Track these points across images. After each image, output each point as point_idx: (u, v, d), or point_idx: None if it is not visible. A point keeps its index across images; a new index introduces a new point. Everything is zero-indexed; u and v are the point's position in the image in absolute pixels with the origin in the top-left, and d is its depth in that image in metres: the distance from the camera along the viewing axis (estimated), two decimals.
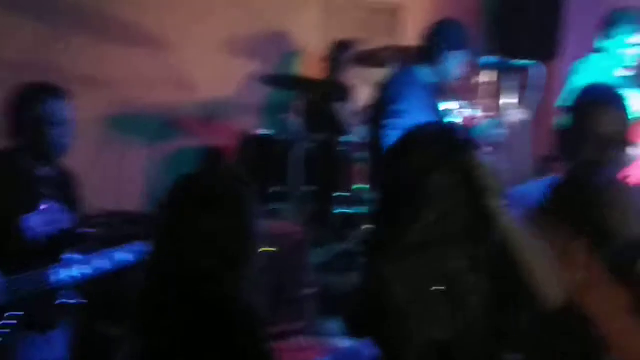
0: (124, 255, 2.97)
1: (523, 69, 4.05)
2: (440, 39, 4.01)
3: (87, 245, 3.10)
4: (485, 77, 4.92)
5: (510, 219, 1.97)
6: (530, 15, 6.20)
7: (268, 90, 5.63)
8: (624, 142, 2.36)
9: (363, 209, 4.99)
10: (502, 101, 4.08)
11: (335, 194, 5.26)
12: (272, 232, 4.30)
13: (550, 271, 2.00)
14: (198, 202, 1.89)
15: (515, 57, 4.76)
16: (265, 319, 1.97)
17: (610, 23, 4.25)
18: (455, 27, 4.09)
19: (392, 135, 3.77)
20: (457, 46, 3.98)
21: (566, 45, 6.08)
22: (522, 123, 4.26)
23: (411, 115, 3.79)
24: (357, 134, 5.14)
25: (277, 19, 5.83)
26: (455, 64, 4.00)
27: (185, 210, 1.89)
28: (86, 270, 2.91)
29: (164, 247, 1.91)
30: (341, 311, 3.98)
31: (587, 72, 4.29)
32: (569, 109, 2.43)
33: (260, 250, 1.97)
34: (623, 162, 2.39)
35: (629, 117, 2.38)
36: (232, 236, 1.88)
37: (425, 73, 4.03)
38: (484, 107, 4.74)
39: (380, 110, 3.97)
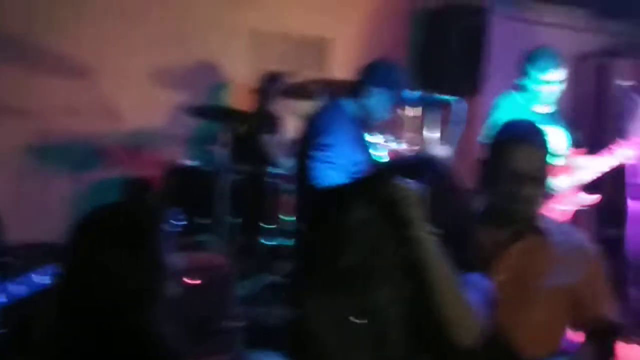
0: (39, 278, 2.91)
1: (446, 104, 4.15)
2: (369, 76, 4.04)
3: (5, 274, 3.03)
4: (410, 111, 5.02)
5: (434, 250, 2.00)
6: (454, 51, 6.36)
7: (195, 121, 5.62)
8: (541, 178, 2.40)
9: (290, 241, 5.01)
10: (426, 135, 4.17)
11: (262, 226, 5.27)
12: (196, 264, 4.28)
13: (466, 307, 2.03)
14: (105, 234, 1.87)
15: (439, 92, 4.87)
16: (181, 351, 1.94)
17: (527, 61, 4.39)
18: (385, 67, 4.12)
19: (318, 168, 3.80)
20: (385, 85, 4.01)
21: (488, 81, 6.26)
22: (446, 158, 4.34)
23: (338, 149, 3.83)
24: (284, 165, 5.17)
25: (205, 50, 5.83)
26: (381, 102, 4.04)
27: (91, 243, 1.87)
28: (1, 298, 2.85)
29: (69, 279, 1.89)
30: (269, 343, 4.00)
31: (507, 108, 4.41)
32: (488, 145, 2.48)
33: (183, 282, 1.96)
34: (541, 197, 2.43)
35: (548, 153, 2.43)
36: (139, 269, 1.86)
37: (352, 107, 4.08)
38: (409, 141, 4.85)
39: (307, 142, 3.99)
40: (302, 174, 3.95)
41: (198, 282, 4.02)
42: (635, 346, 4.15)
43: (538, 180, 2.36)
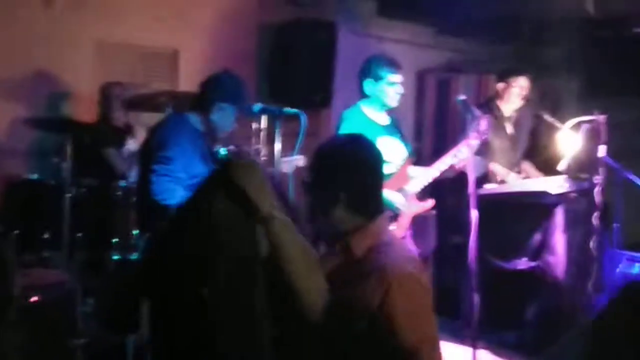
0: None
1: (294, 117, 4.20)
2: (213, 90, 4.02)
3: None
4: (258, 124, 5.04)
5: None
6: (304, 65, 6.46)
7: (36, 134, 5.41)
8: (373, 192, 2.38)
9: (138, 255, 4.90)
10: (275, 148, 4.19)
11: (110, 241, 5.13)
12: (37, 281, 4.13)
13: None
14: None
15: (289, 105, 4.92)
16: None
17: (370, 65, 4.54)
18: (229, 80, 4.10)
19: (160, 181, 3.74)
20: (228, 99, 4.00)
21: (337, 94, 6.40)
22: (295, 170, 4.39)
23: (179, 162, 3.78)
24: (133, 178, 5.06)
25: (47, 60, 5.62)
26: (224, 116, 4.02)
27: None
28: None
29: None
30: None
31: (353, 121, 4.53)
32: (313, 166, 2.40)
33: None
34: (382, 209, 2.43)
35: (380, 167, 2.42)
36: None
37: (196, 120, 4.04)
38: (257, 153, 4.85)
39: (149, 155, 3.92)
40: (143, 187, 3.88)
41: (36, 299, 3.89)
42: (481, 351, 4.35)
43: (370, 195, 2.36)
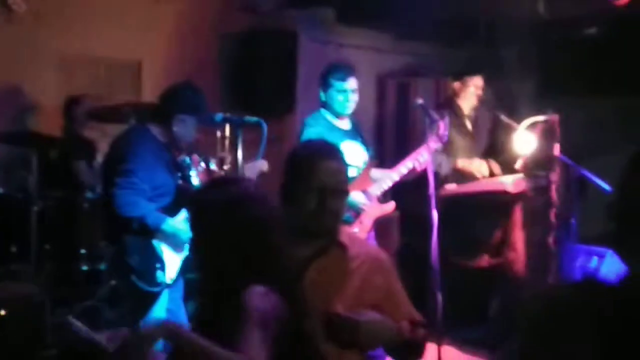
0: None
1: (256, 125, 4.26)
2: (172, 102, 4.02)
3: None
4: (221, 132, 5.10)
5: None
6: (266, 73, 6.53)
7: (1, 148, 5.42)
8: (345, 191, 2.49)
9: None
10: (238, 156, 4.25)
11: (79, 252, 5.16)
12: (7, 294, 4.15)
13: None
14: None
15: (252, 113, 4.98)
16: None
17: (326, 74, 4.64)
18: (187, 91, 4.11)
19: (121, 194, 3.75)
20: (188, 110, 4.01)
21: (300, 101, 6.49)
22: (259, 175, 4.46)
23: (141, 174, 3.79)
24: (100, 190, 5.09)
25: (9, 74, 5.64)
26: (185, 127, 4.02)
27: None
28: None
29: None
30: None
31: (315, 126, 4.62)
32: (288, 163, 2.59)
33: None
34: (344, 211, 2.55)
35: (347, 169, 2.56)
36: None
37: (157, 131, 4.04)
38: (221, 161, 4.93)
39: (111, 168, 3.93)
40: (107, 199, 3.89)
41: (4, 312, 3.91)
42: (447, 347, 4.44)
43: (342, 194, 2.47)
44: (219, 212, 2.12)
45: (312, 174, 2.43)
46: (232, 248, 2.09)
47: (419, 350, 2.57)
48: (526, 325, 1.62)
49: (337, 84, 4.59)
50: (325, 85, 4.62)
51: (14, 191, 5.09)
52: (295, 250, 2.42)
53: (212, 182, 2.21)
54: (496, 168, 5.58)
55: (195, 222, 2.19)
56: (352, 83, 4.62)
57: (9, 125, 5.61)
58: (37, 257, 4.89)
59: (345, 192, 2.51)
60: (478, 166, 5.32)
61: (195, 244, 2.19)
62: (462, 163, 5.34)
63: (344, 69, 4.65)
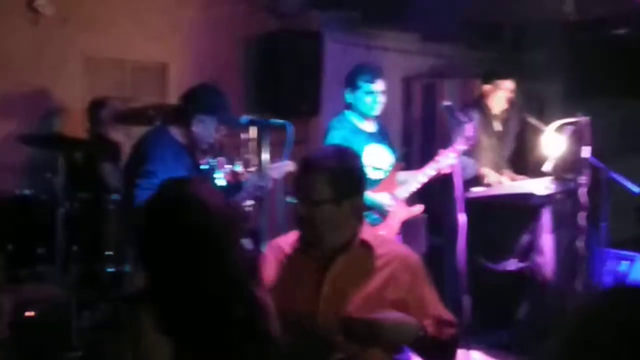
0: None
1: (281, 127, 4.25)
2: (191, 102, 4.04)
3: None
4: (246, 134, 5.09)
5: None
6: (291, 75, 6.51)
7: (29, 150, 5.44)
8: (311, 201, 2.48)
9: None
10: (263, 157, 4.25)
11: (105, 254, 5.16)
12: (32, 296, 4.17)
13: None
14: None
15: (278, 115, 4.97)
16: None
17: (352, 76, 4.61)
18: (207, 92, 4.13)
19: (142, 195, 3.72)
20: (207, 111, 4.01)
21: (325, 103, 6.46)
22: (285, 175, 4.45)
23: (162, 175, 3.71)
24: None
25: (37, 77, 5.66)
26: (205, 128, 4.03)
27: None
28: None
29: None
30: None
31: (340, 128, 4.60)
32: None
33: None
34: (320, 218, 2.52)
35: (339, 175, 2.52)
36: None
37: (177, 133, 4.05)
38: (246, 163, 4.92)
39: (133, 170, 3.94)
40: (128, 201, 3.89)
41: (32, 314, 3.92)
42: (473, 352, 4.40)
43: (312, 203, 2.47)
44: (158, 219, 2.08)
45: (297, 190, 2.52)
46: (174, 254, 2.03)
47: (448, 350, 2.53)
48: (560, 335, 1.58)
49: (365, 86, 4.55)
50: (352, 86, 4.59)
51: (40, 193, 5.09)
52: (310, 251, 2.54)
53: (159, 188, 2.20)
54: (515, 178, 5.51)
55: (140, 231, 2.15)
56: (380, 85, 4.58)
57: (36, 128, 5.63)
58: (63, 259, 4.90)
59: (316, 201, 2.47)
60: (496, 178, 5.27)
61: (141, 252, 2.15)
62: (489, 173, 5.29)
63: (371, 71, 4.62)
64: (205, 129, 4.02)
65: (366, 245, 2.54)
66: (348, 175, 2.52)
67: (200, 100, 4.04)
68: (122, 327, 2.03)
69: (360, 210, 2.58)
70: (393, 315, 2.39)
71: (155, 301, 1.98)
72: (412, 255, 2.63)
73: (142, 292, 2.06)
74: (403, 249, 2.69)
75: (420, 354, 2.52)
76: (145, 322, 1.95)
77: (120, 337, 2.04)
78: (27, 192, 5.09)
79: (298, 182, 2.53)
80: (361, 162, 2.65)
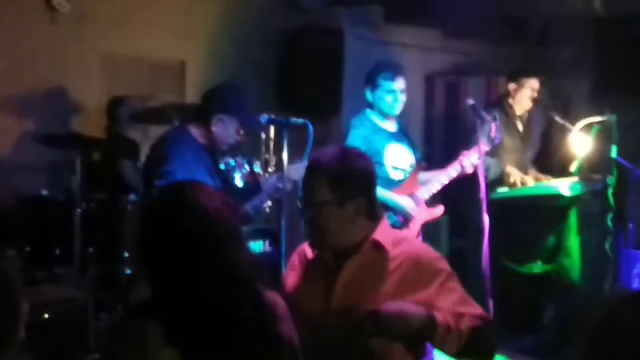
0: None
1: (302, 127, 4.18)
2: (212, 102, 3.99)
3: None
4: (265, 134, 5.04)
5: None
6: (312, 73, 6.45)
7: (48, 150, 5.40)
8: (325, 202, 2.45)
9: None
10: (283, 158, 4.18)
11: (123, 255, 5.12)
12: (49, 298, 4.14)
13: None
14: None
15: (298, 114, 4.90)
16: None
17: (368, 78, 4.53)
18: (228, 91, 4.08)
19: None
20: (228, 111, 3.96)
21: (346, 102, 6.38)
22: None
23: (180, 177, 3.72)
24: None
25: (53, 75, 5.62)
26: (225, 128, 3.98)
27: None
28: None
29: None
30: None
31: (361, 128, 4.52)
32: None
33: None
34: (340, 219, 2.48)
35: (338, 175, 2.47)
36: None
37: (197, 133, 4.00)
38: (265, 164, 4.85)
39: (151, 170, 3.89)
40: (147, 202, 3.84)
41: (49, 316, 3.90)
42: (499, 357, 4.32)
43: (312, 205, 2.46)
44: (157, 224, 2.04)
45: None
46: (174, 259, 1.97)
47: (473, 344, 2.40)
48: (585, 338, 1.55)
49: (386, 84, 4.47)
50: (373, 85, 4.50)
51: (57, 194, 5.06)
52: (320, 259, 2.54)
53: (158, 193, 2.13)
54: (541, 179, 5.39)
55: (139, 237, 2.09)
56: (401, 83, 4.50)
57: (53, 127, 5.58)
58: (80, 261, 4.86)
59: (317, 204, 2.45)
60: (520, 178, 5.15)
61: (141, 259, 2.08)
62: (514, 172, 5.18)
63: (392, 69, 4.53)
64: (225, 129, 3.97)
65: (378, 247, 2.49)
66: (350, 176, 2.47)
67: (221, 99, 3.98)
68: (129, 340, 1.97)
69: (370, 211, 2.51)
70: (393, 305, 2.32)
71: (159, 310, 1.94)
72: (427, 253, 2.55)
73: (146, 303, 2.02)
74: (417, 248, 2.61)
75: (440, 347, 2.40)
76: (152, 334, 1.92)
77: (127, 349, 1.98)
78: (44, 192, 5.05)
79: (302, 185, 2.53)
80: (367, 163, 2.57)
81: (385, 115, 4.55)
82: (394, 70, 4.52)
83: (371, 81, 4.52)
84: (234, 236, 2.06)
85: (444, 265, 2.51)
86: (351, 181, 2.47)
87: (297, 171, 4.32)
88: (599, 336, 1.52)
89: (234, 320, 1.97)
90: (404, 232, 4.24)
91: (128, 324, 2.01)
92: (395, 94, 4.48)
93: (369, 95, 4.54)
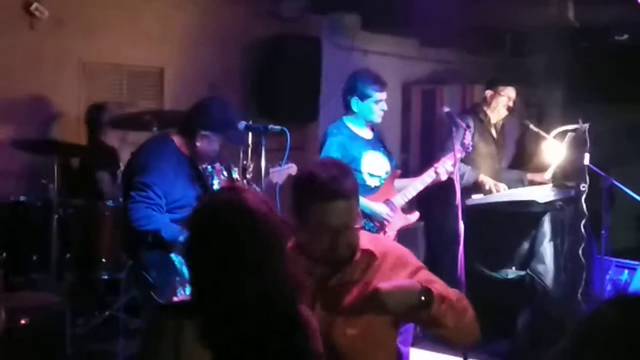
0: None
1: (280, 133, 4.20)
2: (199, 117, 3.93)
3: None
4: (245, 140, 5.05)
5: None
6: (290, 80, 6.48)
7: (25, 156, 5.39)
8: (353, 221, 2.42)
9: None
10: (261, 164, 4.20)
11: (99, 260, 5.11)
12: (25, 303, 4.12)
13: None
14: None
15: (276, 120, 4.93)
16: None
17: (352, 87, 4.56)
18: (216, 108, 3.99)
19: (135, 208, 3.67)
20: (214, 128, 3.90)
21: (324, 108, 6.43)
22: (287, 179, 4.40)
23: (158, 188, 3.71)
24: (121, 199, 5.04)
25: (31, 81, 5.61)
26: (208, 143, 3.92)
27: None
28: None
29: None
30: None
31: (338, 135, 4.54)
32: (294, 199, 2.47)
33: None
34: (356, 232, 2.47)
35: (355, 195, 2.45)
36: None
37: (182, 143, 3.95)
38: (243, 170, 4.86)
39: (129, 179, 3.83)
40: (124, 211, 3.82)
41: (24, 322, 3.88)
42: None
43: (352, 229, 2.42)
44: (204, 226, 2.05)
45: (322, 217, 2.37)
46: (218, 262, 1.98)
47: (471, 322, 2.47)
48: (570, 343, 1.58)
49: (376, 95, 4.50)
50: (361, 95, 4.51)
51: (35, 199, 5.05)
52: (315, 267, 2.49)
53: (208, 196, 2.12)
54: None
55: (190, 239, 2.10)
56: (385, 92, 4.56)
57: (31, 133, 5.57)
58: (58, 266, 4.86)
59: (353, 225, 2.42)
60: (493, 185, 5.20)
61: (190, 260, 2.10)
62: (483, 178, 5.23)
63: (380, 79, 4.57)
64: (210, 145, 3.92)
65: (366, 251, 2.50)
66: (357, 190, 2.48)
67: (207, 116, 3.90)
68: (155, 336, 2.00)
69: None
70: (388, 282, 2.36)
71: (201, 311, 1.96)
72: (402, 249, 2.61)
73: (187, 302, 2.05)
74: (392, 246, 2.68)
75: (442, 318, 2.38)
76: (187, 332, 1.93)
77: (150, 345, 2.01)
78: (22, 198, 5.05)
79: (332, 211, 2.41)
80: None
81: (367, 124, 4.59)
82: (382, 81, 4.56)
83: (359, 91, 4.51)
84: (279, 246, 2.06)
85: (414, 259, 2.58)
86: (357, 194, 2.49)
87: (280, 174, 4.35)
88: (583, 341, 1.53)
89: (268, 331, 1.98)
90: (375, 234, 4.29)
91: (162, 323, 2.00)
92: (382, 103, 4.54)
93: (354, 104, 4.53)
